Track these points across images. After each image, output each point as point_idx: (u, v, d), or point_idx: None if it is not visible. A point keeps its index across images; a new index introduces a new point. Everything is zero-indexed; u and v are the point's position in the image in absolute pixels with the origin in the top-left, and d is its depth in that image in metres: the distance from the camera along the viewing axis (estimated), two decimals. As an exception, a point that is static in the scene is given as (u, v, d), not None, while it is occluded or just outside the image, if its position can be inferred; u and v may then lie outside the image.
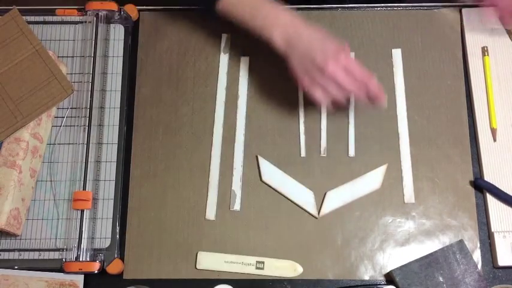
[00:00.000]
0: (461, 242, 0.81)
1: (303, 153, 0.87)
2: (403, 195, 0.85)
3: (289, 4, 0.94)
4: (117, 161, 0.86)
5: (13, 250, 0.82)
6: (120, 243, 0.83)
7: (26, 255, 0.82)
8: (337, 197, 0.85)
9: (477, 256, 0.82)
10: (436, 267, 0.79)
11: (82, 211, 0.83)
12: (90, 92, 0.88)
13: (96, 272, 0.81)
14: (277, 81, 0.90)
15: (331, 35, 0.80)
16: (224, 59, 0.92)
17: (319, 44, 0.79)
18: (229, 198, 0.85)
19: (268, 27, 0.81)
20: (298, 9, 0.94)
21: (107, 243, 0.83)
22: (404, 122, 0.88)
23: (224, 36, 0.93)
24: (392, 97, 0.89)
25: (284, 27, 0.81)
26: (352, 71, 0.78)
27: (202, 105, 0.90)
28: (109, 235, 0.83)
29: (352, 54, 0.92)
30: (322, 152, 0.87)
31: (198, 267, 0.82)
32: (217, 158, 0.87)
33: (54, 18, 0.93)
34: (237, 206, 0.85)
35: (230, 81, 0.91)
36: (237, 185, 0.85)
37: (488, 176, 0.85)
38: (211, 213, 0.85)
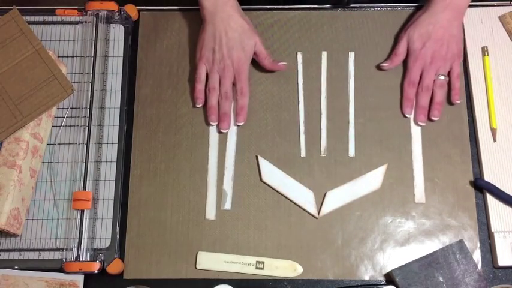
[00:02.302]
0: (461, 242, 0.81)
1: (303, 153, 0.87)
2: (414, 195, 0.85)
3: (289, 4, 0.94)
4: (117, 161, 0.86)
5: (13, 250, 0.82)
6: (120, 243, 0.83)
7: (26, 255, 0.82)
8: (337, 197, 0.85)
9: (477, 256, 0.82)
10: (436, 267, 0.79)
11: (82, 211, 0.83)
12: (90, 92, 0.88)
13: (96, 272, 0.81)
14: (277, 81, 0.91)
15: (254, 36, 0.86)
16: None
17: (232, 39, 0.84)
18: (227, 198, 0.85)
19: None
20: (299, 9, 0.94)
21: (107, 243, 0.83)
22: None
23: None
24: (395, 97, 0.89)
25: (220, 1, 0.85)
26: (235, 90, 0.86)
27: (202, 105, 0.90)
28: (109, 235, 0.83)
29: (352, 54, 0.92)
30: (322, 152, 0.87)
31: (198, 267, 0.82)
32: (214, 158, 0.87)
33: (54, 18, 0.93)
34: (227, 206, 0.85)
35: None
36: (228, 185, 0.85)
37: (488, 176, 0.85)
38: (211, 213, 0.85)
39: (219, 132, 0.87)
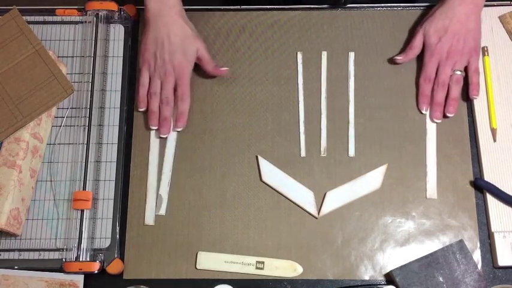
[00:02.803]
0: (461, 242, 0.81)
1: (303, 153, 0.87)
2: (426, 190, 0.85)
3: (289, 4, 0.94)
4: (117, 161, 0.86)
5: (13, 250, 0.82)
6: (120, 243, 0.83)
7: (26, 255, 0.82)
8: (337, 197, 0.85)
9: (477, 256, 0.82)
10: (436, 267, 0.79)
11: (82, 211, 0.83)
12: (90, 92, 0.88)
13: (96, 272, 0.81)
14: (277, 81, 0.91)
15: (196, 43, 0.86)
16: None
17: (174, 44, 0.84)
18: (227, 199, 0.85)
19: None
20: (299, 9, 0.94)
21: (107, 243, 0.83)
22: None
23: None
24: (395, 97, 0.89)
25: (165, 4, 0.85)
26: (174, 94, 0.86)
27: (202, 105, 0.90)
28: (109, 235, 0.83)
29: (352, 54, 0.92)
30: (322, 152, 0.87)
31: (198, 267, 0.82)
32: (154, 163, 0.87)
33: (54, 18, 0.93)
34: (162, 211, 0.84)
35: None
36: (164, 190, 0.85)
37: (488, 176, 0.85)
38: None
39: (159, 137, 0.87)
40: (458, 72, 0.86)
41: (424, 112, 0.87)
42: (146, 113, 0.88)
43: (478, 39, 0.87)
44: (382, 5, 0.94)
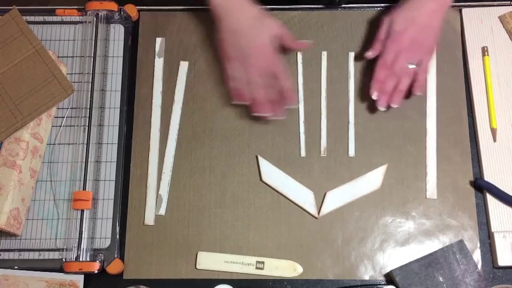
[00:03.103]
0: (461, 242, 0.81)
1: (303, 153, 0.87)
2: (426, 190, 0.85)
3: (292, 4, 0.94)
4: (117, 161, 0.86)
5: (13, 250, 0.82)
6: (120, 243, 0.83)
7: (26, 255, 0.82)
8: (337, 197, 0.85)
9: (477, 256, 0.82)
10: (436, 267, 0.79)
11: (82, 211, 0.83)
12: (90, 92, 0.88)
13: (96, 272, 0.81)
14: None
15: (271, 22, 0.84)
16: (159, 63, 0.92)
17: (253, 27, 0.83)
18: (227, 199, 0.85)
19: None
20: (299, 9, 0.94)
21: (107, 243, 0.83)
22: (433, 117, 0.88)
23: (158, 40, 0.92)
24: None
25: None
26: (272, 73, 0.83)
27: (202, 105, 0.90)
28: (109, 235, 0.83)
29: (352, 54, 0.92)
30: (322, 152, 0.87)
31: (198, 267, 0.82)
32: (155, 162, 0.87)
33: (54, 18, 0.93)
34: (162, 211, 0.84)
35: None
36: (164, 190, 0.85)
37: (488, 176, 0.85)
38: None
39: (159, 137, 0.87)
40: (412, 66, 0.86)
41: (374, 98, 0.86)
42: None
43: (436, 39, 0.87)
44: (382, 5, 0.94)
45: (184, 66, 0.91)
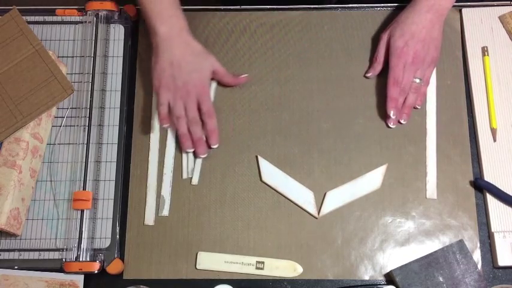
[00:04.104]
0: (461, 242, 0.81)
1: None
2: (426, 190, 0.85)
3: (291, 4, 0.95)
4: (117, 161, 0.86)
5: (13, 250, 0.82)
6: (120, 243, 0.83)
7: (26, 255, 0.82)
8: (337, 197, 0.85)
9: (477, 256, 0.82)
10: (436, 267, 0.79)
11: (82, 211, 0.83)
12: (90, 92, 0.88)
13: (96, 272, 0.81)
14: (277, 81, 0.91)
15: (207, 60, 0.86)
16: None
17: (191, 63, 0.84)
18: (227, 199, 0.85)
19: (162, 19, 0.84)
20: (299, 9, 0.94)
21: (107, 243, 0.83)
22: (433, 117, 0.88)
23: None
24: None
25: (174, 27, 0.84)
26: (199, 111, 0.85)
27: (202, 105, 0.90)
28: (109, 235, 0.83)
29: (352, 54, 0.92)
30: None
31: (198, 267, 0.82)
32: (154, 163, 0.87)
33: (54, 18, 0.93)
34: (165, 212, 0.84)
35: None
36: (166, 191, 0.85)
37: (488, 176, 0.85)
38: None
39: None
40: (418, 81, 0.86)
41: (392, 116, 0.86)
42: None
43: (439, 50, 0.88)
44: (382, 5, 0.94)
45: (184, 66, 0.91)
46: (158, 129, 0.88)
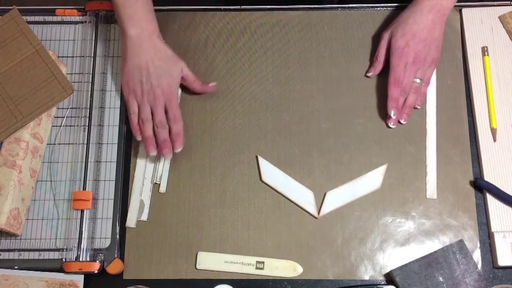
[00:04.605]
0: (461, 242, 0.81)
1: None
2: (426, 190, 0.85)
3: (291, 4, 0.95)
4: (117, 161, 0.86)
5: (13, 250, 0.82)
6: (120, 243, 0.83)
7: (26, 255, 0.82)
8: (337, 197, 0.85)
9: (477, 256, 0.82)
10: (436, 267, 0.79)
11: (82, 211, 0.83)
12: (90, 92, 0.88)
13: (96, 272, 0.81)
14: (277, 81, 0.91)
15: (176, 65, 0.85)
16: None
17: (159, 68, 0.84)
18: (227, 199, 0.85)
19: (133, 21, 0.84)
20: (299, 9, 0.94)
21: (107, 243, 0.83)
22: (433, 117, 0.88)
23: None
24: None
25: (145, 30, 0.84)
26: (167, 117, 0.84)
27: (202, 105, 0.90)
28: (109, 235, 0.83)
29: (352, 54, 0.92)
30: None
31: (198, 267, 0.82)
32: (141, 167, 0.87)
33: (54, 18, 0.93)
34: (144, 217, 0.84)
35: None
36: (146, 195, 0.85)
37: (488, 176, 0.85)
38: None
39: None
40: (418, 81, 0.86)
41: (393, 116, 0.86)
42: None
43: (439, 51, 0.88)
44: (382, 5, 0.94)
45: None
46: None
